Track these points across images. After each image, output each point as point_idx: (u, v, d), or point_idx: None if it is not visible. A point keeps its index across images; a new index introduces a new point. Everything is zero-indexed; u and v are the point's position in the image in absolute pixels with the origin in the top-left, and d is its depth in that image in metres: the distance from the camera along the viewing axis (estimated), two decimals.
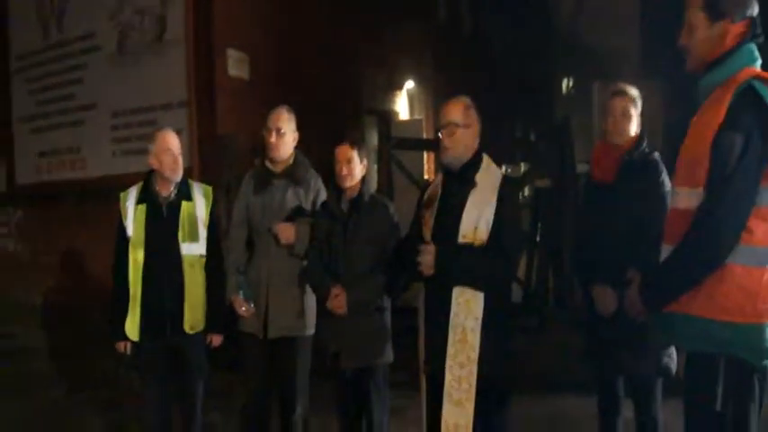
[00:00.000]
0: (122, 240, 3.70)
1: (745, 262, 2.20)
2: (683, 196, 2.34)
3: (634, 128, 3.31)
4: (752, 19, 2.33)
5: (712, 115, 2.24)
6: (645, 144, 3.32)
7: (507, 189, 3.03)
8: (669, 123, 8.53)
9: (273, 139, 3.75)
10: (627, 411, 3.44)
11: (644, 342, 3.07)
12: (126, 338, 3.68)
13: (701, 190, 2.24)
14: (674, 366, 3.18)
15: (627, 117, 3.29)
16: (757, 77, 2.25)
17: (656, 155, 3.31)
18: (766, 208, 2.20)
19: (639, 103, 3.34)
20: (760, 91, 2.19)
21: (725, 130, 2.19)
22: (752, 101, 2.18)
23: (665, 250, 2.37)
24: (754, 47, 2.35)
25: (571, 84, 27.99)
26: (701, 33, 2.36)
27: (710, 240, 2.20)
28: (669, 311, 2.32)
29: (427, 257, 2.96)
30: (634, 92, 3.33)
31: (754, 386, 2.26)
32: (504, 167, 12.37)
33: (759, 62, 2.34)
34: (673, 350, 3.18)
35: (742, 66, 2.30)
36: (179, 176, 3.73)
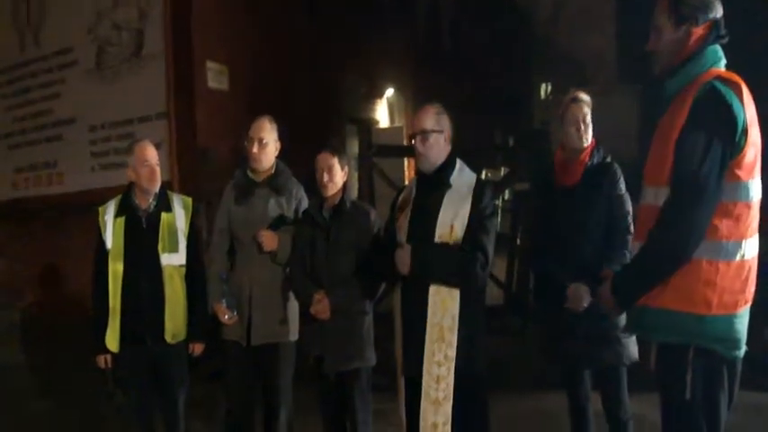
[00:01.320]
0: (101, 254, 3.69)
1: (711, 256, 2.27)
2: (650, 195, 2.40)
3: (591, 132, 3.41)
4: (715, 21, 2.39)
5: (676, 116, 2.30)
6: (601, 148, 3.44)
7: (482, 189, 3.10)
8: (646, 126, 8.64)
9: (256, 149, 3.77)
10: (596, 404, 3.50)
11: (609, 334, 3.22)
12: (107, 351, 3.67)
13: (666, 188, 2.30)
14: (635, 353, 3.28)
15: (588, 123, 3.38)
16: (719, 78, 2.31)
17: (610, 158, 3.43)
18: (731, 203, 2.26)
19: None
20: (721, 90, 2.25)
21: (688, 130, 2.25)
22: (713, 100, 2.24)
23: (635, 247, 2.44)
24: (718, 48, 2.41)
25: (549, 90, 28.23)
26: (666, 37, 2.43)
27: (677, 237, 2.25)
28: (640, 305, 2.39)
29: (403, 255, 3.00)
30: (588, 97, 3.43)
31: (723, 376, 2.33)
32: (483, 172, 12.46)
33: (723, 62, 2.41)
34: (633, 338, 3.28)
35: (706, 67, 2.36)
36: (157, 188, 3.74)
